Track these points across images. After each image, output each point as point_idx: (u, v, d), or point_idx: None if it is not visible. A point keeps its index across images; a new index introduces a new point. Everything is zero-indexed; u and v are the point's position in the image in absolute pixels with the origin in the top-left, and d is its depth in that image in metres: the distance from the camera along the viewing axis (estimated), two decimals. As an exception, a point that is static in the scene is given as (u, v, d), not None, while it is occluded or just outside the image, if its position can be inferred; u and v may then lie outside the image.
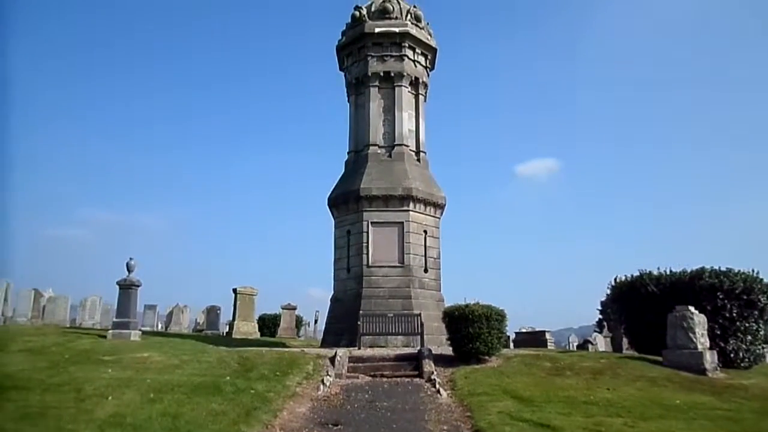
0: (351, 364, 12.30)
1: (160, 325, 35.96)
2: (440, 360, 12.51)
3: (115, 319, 17.70)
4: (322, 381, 10.67)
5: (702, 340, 12.08)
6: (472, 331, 11.88)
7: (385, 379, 11.55)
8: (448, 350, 14.28)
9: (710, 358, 11.85)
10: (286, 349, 13.93)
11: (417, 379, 11.51)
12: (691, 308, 12.41)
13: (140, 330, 17.51)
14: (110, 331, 16.76)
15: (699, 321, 12.20)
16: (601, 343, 25.43)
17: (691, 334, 12.01)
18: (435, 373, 11.56)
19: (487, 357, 12.21)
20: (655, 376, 10.91)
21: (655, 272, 15.77)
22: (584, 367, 11.53)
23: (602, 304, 56.61)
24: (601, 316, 55.74)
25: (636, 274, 16.21)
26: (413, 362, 12.40)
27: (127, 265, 17.73)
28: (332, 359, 12.39)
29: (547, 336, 24.05)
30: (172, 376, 9.40)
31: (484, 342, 11.90)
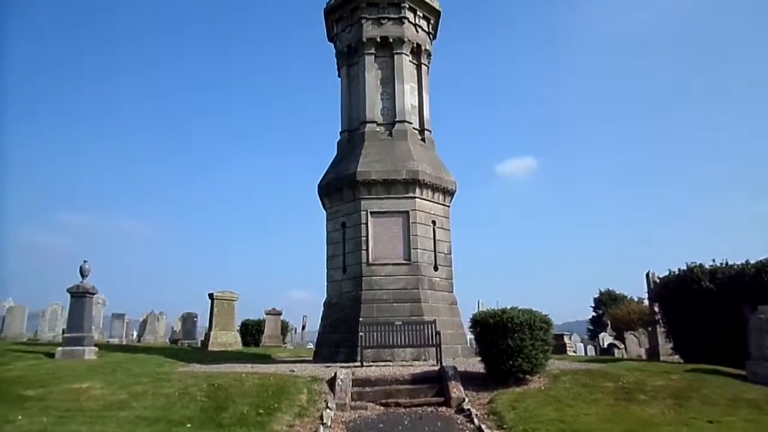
0: (356, 389, 9.57)
1: (134, 334, 32.89)
2: (467, 380, 9.86)
3: (65, 334, 14.93)
4: (321, 418, 7.93)
5: (797, 349, 9.63)
6: (512, 344, 9.22)
7: (402, 410, 8.85)
8: (471, 363, 11.68)
9: (807, 372, 9.40)
10: (272, 370, 11.15)
11: (444, 409, 8.84)
12: (781, 308, 9.95)
13: (100, 344, 14.67)
14: (59, 349, 14.06)
15: (792, 324, 9.74)
16: (633, 344, 22.83)
17: (785, 342, 9.54)
18: (467, 400, 8.90)
19: (528, 376, 9.59)
20: (753, 398, 8.38)
21: (707, 265, 13.42)
22: (657, 387, 8.95)
23: (596, 301, 54.47)
24: (594, 314, 53.75)
25: (683, 267, 13.85)
26: (435, 384, 9.71)
27: (81, 269, 14.91)
28: (331, 383, 9.67)
29: (566, 340, 21.45)
30: (106, 425, 6.58)
31: (527, 357, 9.25)
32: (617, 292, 50.70)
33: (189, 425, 6.75)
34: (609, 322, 40.61)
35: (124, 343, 27.00)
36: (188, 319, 27.81)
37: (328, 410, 8.36)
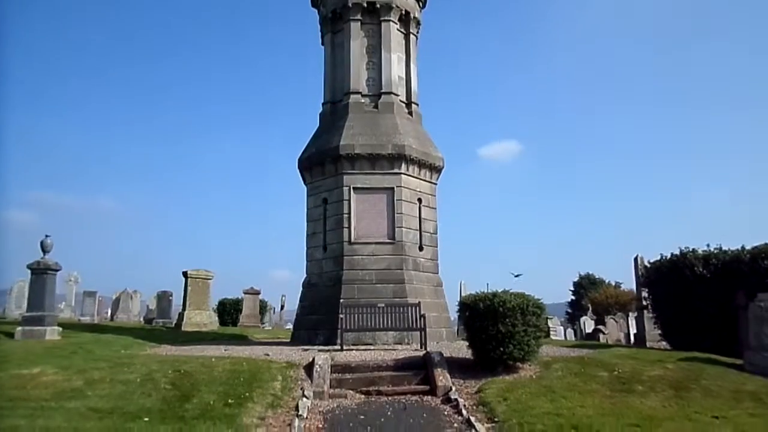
0: (335, 375, 8.93)
1: (107, 313, 31.90)
2: (454, 366, 9.29)
3: (25, 313, 14.16)
4: (297, 409, 7.28)
5: (798, 338, 9.21)
6: (503, 330, 8.63)
7: (384, 399, 8.25)
8: (457, 348, 11.15)
9: (808, 362, 9.00)
10: (246, 353, 10.45)
11: (429, 398, 8.25)
12: (782, 295, 9.51)
13: (71, 323, 13.79)
14: (19, 329, 13.30)
15: (793, 312, 9.31)
16: (613, 328, 22.60)
17: (787, 331, 9.11)
18: (454, 389, 8.32)
19: (519, 363, 9.03)
20: (754, 390, 7.93)
21: (701, 251, 12.99)
22: (654, 377, 8.47)
23: (575, 284, 54.57)
24: (573, 297, 53.85)
25: (675, 252, 13.41)
26: (420, 371, 9.11)
27: (42, 244, 14.02)
28: (308, 368, 9.01)
29: (551, 324, 21.04)
30: (51, 418, 5.82)
31: (519, 344, 8.67)
32: (596, 276, 51.00)
33: (146, 419, 6.02)
34: (589, 306, 40.74)
35: (96, 321, 26.09)
36: (163, 298, 26.86)
37: (304, 399, 7.70)
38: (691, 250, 13.07)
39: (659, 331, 14.64)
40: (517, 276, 27.62)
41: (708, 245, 12.86)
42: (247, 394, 7.28)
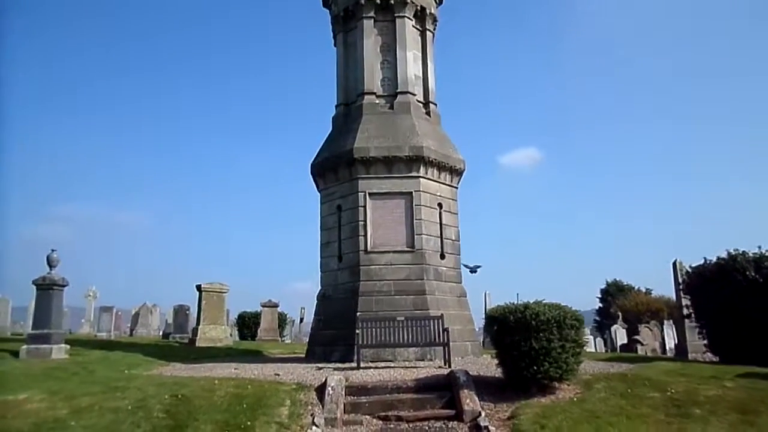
0: (350, 398, 8.06)
1: (128, 327, 31.60)
2: (482, 386, 8.34)
3: (30, 331, 13.50)
4: (305, 439, 6.44)
5: None
6: (536, 346, 7.67)
7: (404, 426, 7.35)
8: (484, 364, 10.22)
9: None
10: (255, 373, 9.62)
11: (455, 424, 7.32)
12: None
13: (88, 339, 13.19)
14: (23, 347, 12.69)
15: None
16: (648, 338, 21.30)
17: None
18: (483, 414, 7.38)
19: (556, 383, 8.05)
20: (835, 412, 6.84)
21: (751, 253, 11.84)
22: (712, 398, 7.41)
23: (602, 291, 52.68)
24: (601, 305, 51.98)
25: (722, 255, 12.25)
26: (444, 392, 8.18)
27: (48, 258, 13.44)
28: (320, 390, 8.16)
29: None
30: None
31: (556, 362, 7.70)
32: (624, 283, 49.18)
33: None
34: (619, 314, 39.21)
35: (113, 338, 25.63)
36: (180, 312, 26.34)
37: (314, 427, 6.85)
38: (741, 252, 11.93)
39: (704, 342, 13.48)
40: (473, 269, 23.77)
41: (759, 247, 11.71)
42: (249, 422, 6.47)
